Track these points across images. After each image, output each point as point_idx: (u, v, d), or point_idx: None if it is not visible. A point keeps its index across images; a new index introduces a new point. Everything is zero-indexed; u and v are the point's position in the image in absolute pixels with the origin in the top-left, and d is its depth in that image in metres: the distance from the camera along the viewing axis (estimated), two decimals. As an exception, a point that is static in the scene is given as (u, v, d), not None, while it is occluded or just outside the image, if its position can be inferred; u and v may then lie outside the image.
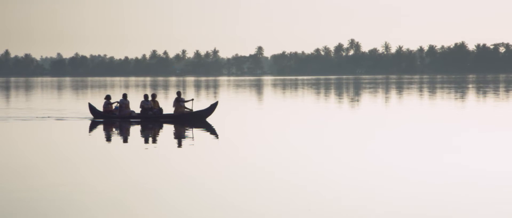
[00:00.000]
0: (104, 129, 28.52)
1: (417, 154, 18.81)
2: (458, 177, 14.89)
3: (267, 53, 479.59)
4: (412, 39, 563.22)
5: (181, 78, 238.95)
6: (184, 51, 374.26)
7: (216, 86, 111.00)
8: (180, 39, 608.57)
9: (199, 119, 31.77)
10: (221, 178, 15.03)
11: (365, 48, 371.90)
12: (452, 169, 16.02)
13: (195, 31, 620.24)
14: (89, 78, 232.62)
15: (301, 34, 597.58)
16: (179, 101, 32.17)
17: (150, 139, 24.33)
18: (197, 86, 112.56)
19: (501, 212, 11.49)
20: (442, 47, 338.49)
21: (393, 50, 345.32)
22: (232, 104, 48.51)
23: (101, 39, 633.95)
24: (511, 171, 15.83)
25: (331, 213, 11.51)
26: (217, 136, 25.05)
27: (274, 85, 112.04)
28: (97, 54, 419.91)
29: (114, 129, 28.48)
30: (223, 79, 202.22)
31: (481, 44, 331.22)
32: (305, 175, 15.26)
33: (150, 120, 31.51)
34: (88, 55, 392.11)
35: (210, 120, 31.80)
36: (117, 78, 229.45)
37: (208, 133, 26.10)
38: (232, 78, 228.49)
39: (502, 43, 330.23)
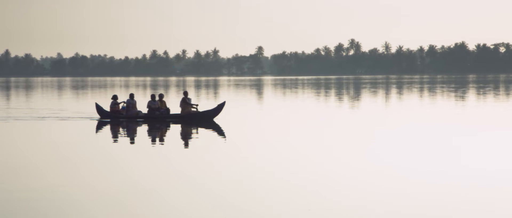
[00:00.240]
0: (111, 129, 28.53)
1: (417, 154, 18.82)
2: (458, 177, 14.91)
3: (267, 53, 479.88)
4: (412, 39, 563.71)
5: (181, 78, 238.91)
6: (184, 51, 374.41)
7: (216, 86, 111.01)
8: (180, 39, 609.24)
9: (206, 119, 31.79)
10: (222, 177, 15.05)
11: (365, 48, 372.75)
12: (452, 169, 16.03)
13: (195, 31, 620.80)
14: (89, 78, 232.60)
15: (301, 34, 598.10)
16: (186, 102, 32.17)
17: (156, 139, 24.31)
18: (197, 86, 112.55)
19: (501, 212, 11.50)
20: (442, 47, 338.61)
21: (393, 50, 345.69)
22: (237, 104, 48.49)
23: (101, 39, 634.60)
24: (511, 171, 15.84)
25: (331, 213, 11.52)
26: (223, 136, 25.04)
27: (275, 85, 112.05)
28: (97, 54, 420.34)
29: (121, 129, 28.49)
30: (223, 79, 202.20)
31: (481, 44, 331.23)
32: (305, 175, 15.27)
33: (157, 120, 31.53)
34: (88, 55, 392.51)
35: (217, 119, 31.83)
36: (117, 78, 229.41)
37: (215, 133, 26.04)
38: (232, 78, 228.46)
39: (503, 43, 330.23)
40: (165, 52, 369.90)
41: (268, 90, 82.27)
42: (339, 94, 65.61)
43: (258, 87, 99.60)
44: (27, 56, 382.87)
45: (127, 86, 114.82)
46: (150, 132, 26.97)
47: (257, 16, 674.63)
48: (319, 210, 11.72)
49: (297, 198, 12.73)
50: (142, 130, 27.68)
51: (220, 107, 32.44)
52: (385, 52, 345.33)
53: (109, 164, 17.49)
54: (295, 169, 16.20)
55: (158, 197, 12.87)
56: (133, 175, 15.57)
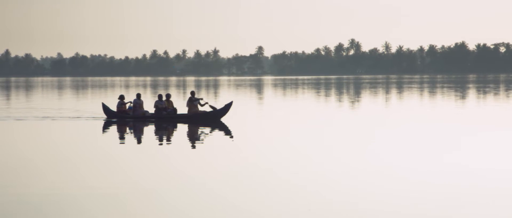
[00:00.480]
0: (118, 129, 28.54)
1: (417, 154, 18.84)
2: (458, 177, 14.92)
3: (268, 53, 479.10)
4: (413, 39, 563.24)
5: (181, 78, 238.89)
6: (184, 51, 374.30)
7: (216, 86, 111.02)
8: (180, 39, 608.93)
9: (213, 119, 31.78)
10: (223, 177, 15.07)
11: (365, 48, 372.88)
12: (452, 169, 16.05)
13: (195, 31, 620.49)
14: (90, 78, 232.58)
15: (301, 34, 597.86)
16: (193, 101, 32.14)
17: (163, 139, 24.28)
18: (198, 86, 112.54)
19: (501, 212, 11.52)
20: (443, 47, 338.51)
21: (393, 50, 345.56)
22: (239, 104, 48.44)
23: (101, 39, 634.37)
24: (511, 170, 15.86)
25: (331, 213, 11.54)
26: (230, 136, 24.97)
27: (275, 85, 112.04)
28: (97, 54, 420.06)
29: (127, 129, 28.49)
30: (223, 79, 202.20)
31: (481, 44, 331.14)
32: (305, 175, 15.29)
33: (164, 120, 31.53)
34: (88, 55, 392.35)
35: (224, 119, 31.82)
36: (117, 78, 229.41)
37: (222, 133, 25.98)
38: (232, 78, 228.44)
39: (503, 43, 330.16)
40: (165, 52, 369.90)
41: (268, 90, 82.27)
42: (339, 94, 65.61)
43: (258, 87, 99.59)
44: (27, 56, 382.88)
45: (127, 86, 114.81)
46: (157, 132, 26.96)
47: (257, 16, 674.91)
48: (319, 210, 11.74)
49: (297, 198, 12.75)
50: (149, 130, 27.68)
51: (227, 107, 32.36)
52: (385, 52, 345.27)
53: (115, 164, 17.50)
54: (295, 169, 16.22)
55: (162, 197, 12.89)
56: (139, 175, 15.58)
